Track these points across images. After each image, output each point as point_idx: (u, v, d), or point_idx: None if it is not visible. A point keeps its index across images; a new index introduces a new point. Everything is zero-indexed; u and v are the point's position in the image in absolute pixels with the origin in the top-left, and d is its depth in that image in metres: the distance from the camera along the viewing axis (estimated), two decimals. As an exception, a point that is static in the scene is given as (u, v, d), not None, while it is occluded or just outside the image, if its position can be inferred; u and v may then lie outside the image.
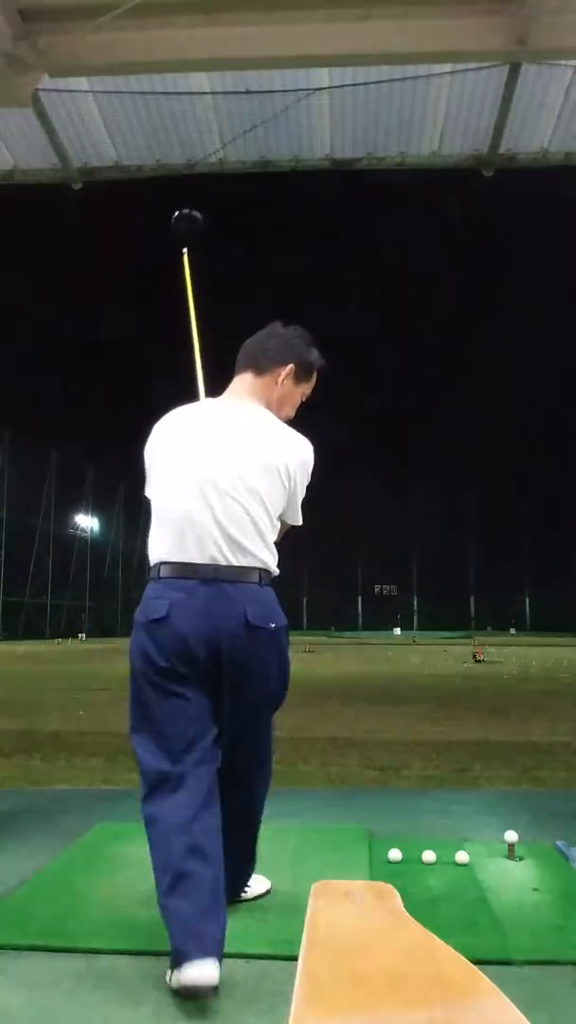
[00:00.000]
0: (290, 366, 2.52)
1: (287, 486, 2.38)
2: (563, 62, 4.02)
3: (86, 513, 56.70)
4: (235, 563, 2.27)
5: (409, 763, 5.56)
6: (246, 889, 2.67)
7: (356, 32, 3.37)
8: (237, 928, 2.46)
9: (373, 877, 2.84)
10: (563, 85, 4.21)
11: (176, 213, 3.18)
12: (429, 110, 4.37)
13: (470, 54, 3.66)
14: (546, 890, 2.82)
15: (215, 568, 2.26)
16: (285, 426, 2.47)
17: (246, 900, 2.66)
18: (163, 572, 2.30)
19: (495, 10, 3.35)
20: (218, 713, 2.30)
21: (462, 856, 3.05)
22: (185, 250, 3.18)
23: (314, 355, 2.60)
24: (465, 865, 3.02)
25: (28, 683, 13.64)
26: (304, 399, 2.66)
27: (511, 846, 3.14)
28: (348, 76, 4.19)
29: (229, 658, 2.25)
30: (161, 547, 2.33)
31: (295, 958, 1.51)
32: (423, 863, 3.01)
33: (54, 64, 3.54)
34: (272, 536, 2.36)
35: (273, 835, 3.46)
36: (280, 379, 2.52)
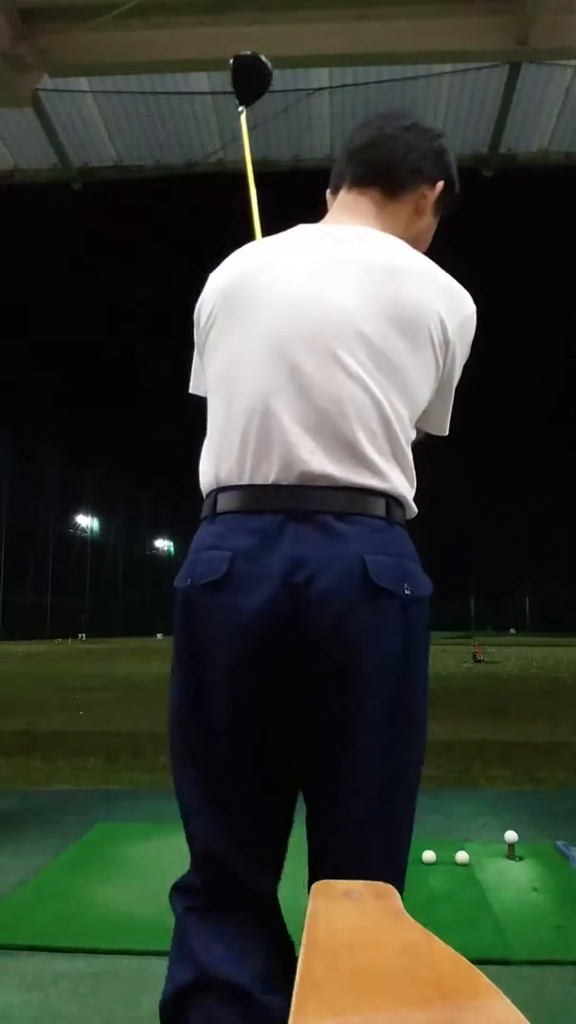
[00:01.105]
0: (440, 184, 1.48)
1: (440, 361, 1.33)
2: (563, 62, 4.03)
3: (86, 513, 56.70)
4: (346, 481, 1.23)
5: (409, 763, 5.56)
6: None
7: (356, 32, 3.37)
8: (237, 928, 2.47)
9: (373, 877, 2.84)
10: (563, 85, 4.22)
11: (235, 61, 2.19)
12: (429, 110, 4.37)
13: (470, 54, 3.67)
14: (546, 890, 2.82)
15: (310, 493, 1.23)
16: (440, 271, 1.37)
17: None
18: (221, 505, 1.30)
19: (495, 10, 3.36)
20: (303, 763, 1.25)
21: (462, 856, 3.05)
22: (242, 110, 2.18)
23: (456, 171, 1.56)
24: (465, 865, 3.02)
25: (28, 683, 13.64)
26: None
27: (511, 846, 3.15)
28: (348, 76, 4.19)
29: (330, 647, 1.19)
30: (217, 464, 1.31)
31: (295, 958, 1.51)
32: (423, 863, 3.01)
33: (54, 64, 3.54)
34: (409, 442, 1.32)
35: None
36: (428, 204, 1.48)
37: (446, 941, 0.52)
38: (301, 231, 1.41)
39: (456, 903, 2.68)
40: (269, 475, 1.24)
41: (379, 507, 1.25)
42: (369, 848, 1.22)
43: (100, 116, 4.50)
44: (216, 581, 1.23)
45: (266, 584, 1.19)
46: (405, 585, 1.22)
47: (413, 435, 1.33)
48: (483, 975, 0.43)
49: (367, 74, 4.16)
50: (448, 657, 23.27)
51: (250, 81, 2.20)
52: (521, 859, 3.12)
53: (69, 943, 2.38)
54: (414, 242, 1.46)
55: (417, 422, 1.35)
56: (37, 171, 4.82)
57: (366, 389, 1.26)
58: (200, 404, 1.45)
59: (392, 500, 1.27)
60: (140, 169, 4.79)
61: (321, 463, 1.24)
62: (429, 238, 1.54)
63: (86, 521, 57.36)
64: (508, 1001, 0.40)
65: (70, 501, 53.24)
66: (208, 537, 1.29)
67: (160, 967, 2.24)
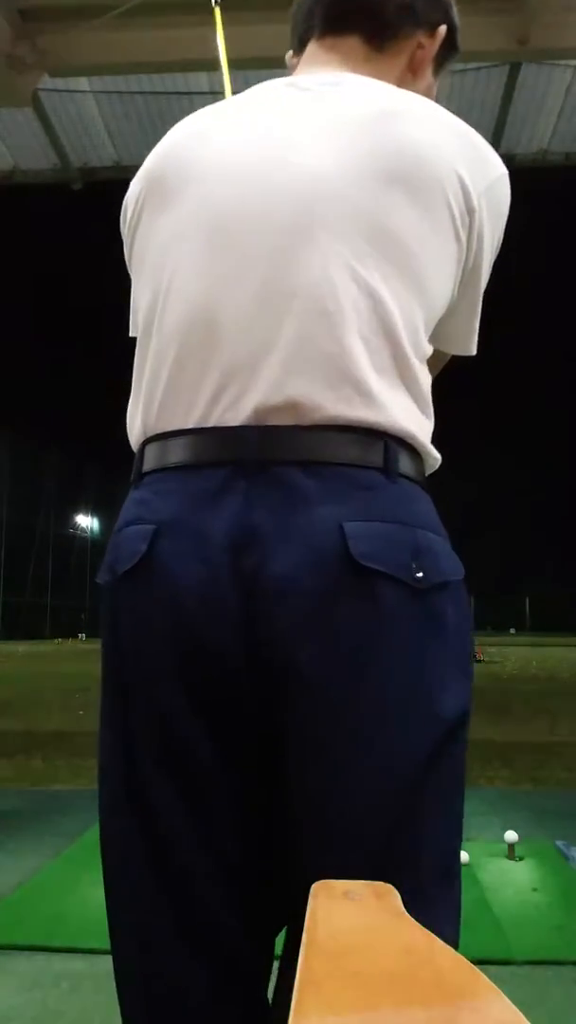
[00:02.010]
0: (442, 30, 1.07)
1: (464, 239, 0.90)
2: (563, 62, 4.03)
3: (86, 513, 56.72)
4: (323, 415, 0.82)
5: (409, 763, 5.56)
6: None
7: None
8: (237, 928, 2.47)
9: (373, 877, 2.84)
10: (563, 85, 4.22)
11: None
12: (429, 110, 4.38)
13: (470, 54, 3.66)
14: (546, 890, 2.82)
15: (267, 435, 0.82)
16: (443, 111, 0.95)
17: None
18: (148, 460, 0.91)
19: (495, 10, 3.36)
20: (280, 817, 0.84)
21: (462, 856, 3.05)
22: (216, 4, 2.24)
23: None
24: (465, 865, 3.01)
25: (28, 683, 13.64)
26: None
27: (511, 846, 3.14)
28: (348, 76, 4.19)
29: (293, 662, 0.79)
30: (146, 405, 0.92)
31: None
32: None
33: (54, 64, 3.54)
34: (423, 358, 0.89)
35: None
36: (427, 57, 1.07)
37: (446, 941, 0.52)
38: (252, 90, 1.02)
39: (456, 903, 2.68)
40: (209, 414, 0.84)
41: (373, 452, 0.82)
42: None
43: (100, 116, 4.50)
44: (135, 567, 0.83)
45: (200, 568, 0.80)
46: (413, 565, 0.79)
47: (429, 350, 0.90)
48: (483, 975, 0.43)
49: (367, 74, 4.17)
50: (448, 657, 23.29)
51: None
52: (521, 859, 3.12)
53: (69, 943, 2.38)
54: (428, 94, 1.07)
55: (431, 338, 0.91)
56: (37, 171, 4.83)
57: (357, 278, 0.83)
58: None
59: (394, 442, 0.84)
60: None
61: (286, 389, 0.81)
62: (432, 90, 1.13)
63: (86, 521, 57.38)
64: (508, 1001, 0.40)
65: (70, 501, 53.26)
66: (130, 508, 0.89)
67: (160, 967, 2.25)
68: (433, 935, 0.50)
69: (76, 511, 55.58)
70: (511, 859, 3.11)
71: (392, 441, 0.84)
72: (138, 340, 0.95)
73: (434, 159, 0.86)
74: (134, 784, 0.83)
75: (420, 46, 1.05)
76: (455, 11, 1.09)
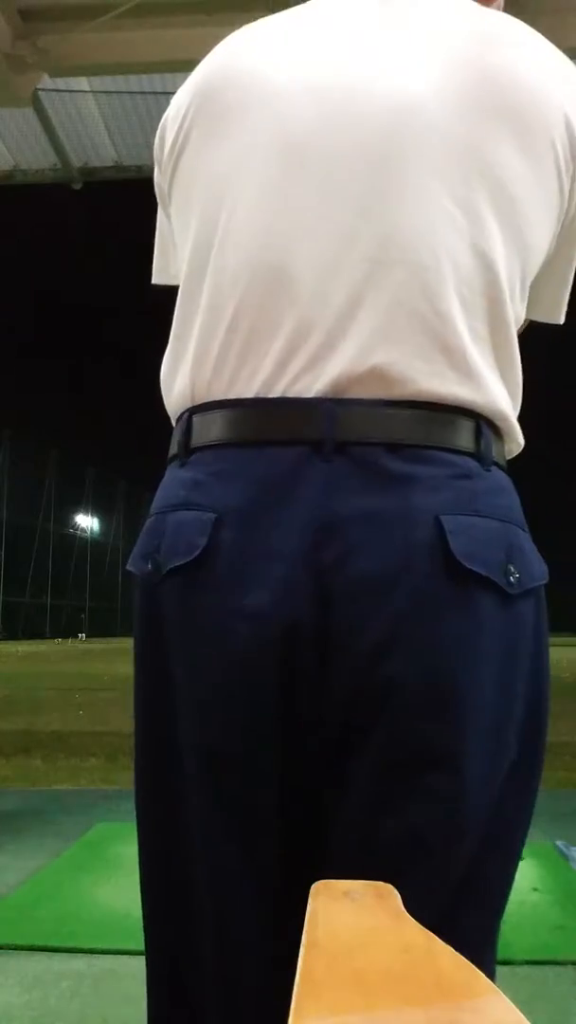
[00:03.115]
0: None
1: (567, 187, 0.77)
2: (563, 62, 4.03)
3: (86, 513, 56.71)
4: (416, 389, 0.70)
5: (409, 763, 5.56)
6: None
7: (356, 32, 3.37)
8: (237, 928, 2.47)
9: (373, 877, 2.84)
10: (563, 85, 4.22)
11: None
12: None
13: (470, 54, 3.67)
14: (546, 890, 2.82)
15: (350, 410, 0.70)
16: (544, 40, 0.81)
17: None
18: (198, 434, 0.76)
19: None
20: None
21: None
22: None
23: None
24: (465, 865, 3.02)
25: (28, 683, 13.64)
26: None
27: (511, 846, 3.15)
28: (348, 76, 4.19)
29: (381, 668, 0.68)
30: (195, 368, 0.77)
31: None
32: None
33: (54, 64, 3.54)
34: (519, 325, 0.78)
35: (273, 835, 3.47)
36: None
37: (446, 941, 0.52)
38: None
39: (456, 903, 2.68)
40: (277, 381, 0.71)
41: (468, 435, 0.72)
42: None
43: (100, 116, 4.50)
44: (191, 563, 0.71)
45: (276, 566, 0.68)
46: (511, 568, 0.71)
47: (524, 315, 0.80)
48: (483, 975, 0.43)
49: (367, 74, 4.16)
50: (448, 657, 23.28)
51: None
52: (521, 859, 3.11)
53: (69, 943, 2.38)
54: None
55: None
56: (37, 171, 4.82)
57: (459, 227, 0.71)
58: None
59: (487, 425, 0.74)
60: (140, 169, 4.79)
61: (373, 357, 0.69)
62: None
63: (86, 521, 57.37)
64: (508, 1001, 0.40)
65: (70, 501, 53.26)
66: (176, 488, 0.76)
67: (160, 967, 2.24)
68: (433, 935, 0.50)
69: (76, 511, 55.57)
70: (511, 859, 3.12)
71: (486, 424, 0.73)
72: (183, 286, 0.80)
73: (542, 96, 0.75)
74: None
75: None
76: None
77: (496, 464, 0.74)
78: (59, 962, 2.28)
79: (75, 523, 56.20)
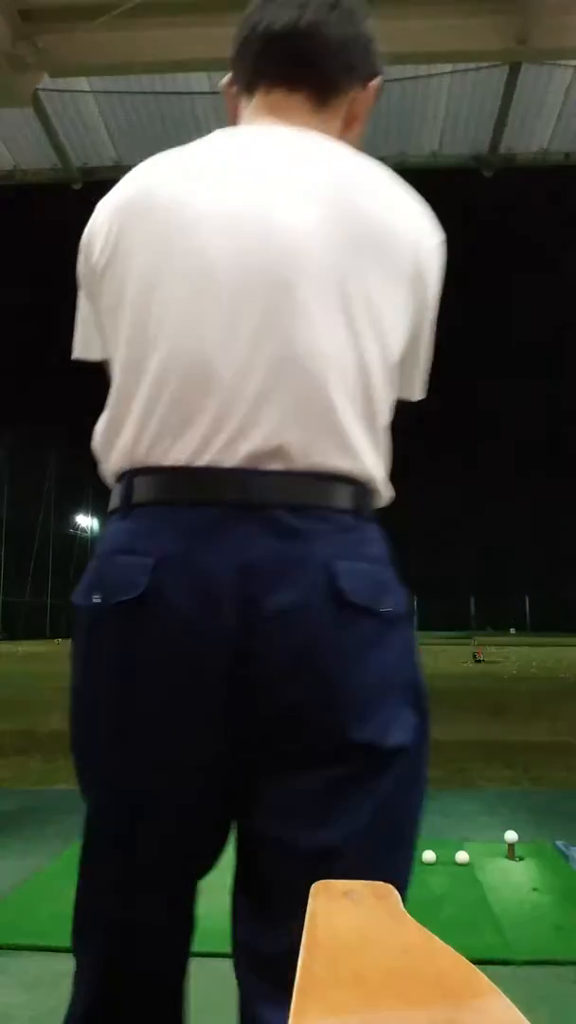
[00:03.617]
0: (375, 83, 1.14)
1: (417, 301, 1.01)
2: (563, 62, 4.02)
3: (86, 513, 56.73)
4: (309, 463, 0.92)
5: (409, 763, 5.56)
6: None
7: (356, 32, 3.37)
8: (237, 928, 2.47)
9: (373, 877, 2.84)
10: (563, 85, 4.22)
11: None
12: (429, 110, 4.37)
13: (470, 54, 3.67)
14: (546, 890, 2.82)
15: (262, 479, 0.91)
16: (406, 193, 1.05)
17: None
18: (139, 491, 0.96)
19: (495, 10, 3.36)
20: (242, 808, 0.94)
21: (462, 856, 3.05)
22: None
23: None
24: (465, 865, 3.02)
25: (28, 683, 13.65)
26: None
27: (511, 846, 3.15)
28: (348, 76, 4.19)
29: (296, 683, 0.88)
30: (134, 436, 0.96)
31: (295, 958, 1.51)
32: (423, 863, 3.01)
33: (54, 64, 3.54)
34: (390, 409, 1.02)
35: (273, 835, 3.47)
36: (362, 110, 1.14)
37: (446, 941, 0.52)
38: (222, 135, 1.06)
39: (456, 903, 2.68)
40: (204, 453, 0.90)
41: (350, 497, 0.93)
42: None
43: (100, 116, 4.50)
44: (134, 599, 0.88)
45: (206, 602, 0.86)
46: (384, 600, 0.91)
47: (393, 398, 1.01)
48: (483, 975, 0.43)
49: (367, 74, 4.16)
50: (448, 657, 23.28)
51: None
52: (521, 859, 3.12)
53: (69, 943, 2.38)
54: (356, 143, 1.14)
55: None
56: (37, 171, 4.82)
57: (339, 337, 0.92)
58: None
59: (363, 487, 0.95)
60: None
61: (279, 437, 0.89)
62: (361, 133, 1.17)
63: (86, 521, 57.38)
64: (508, 1001, 0.40)
65: (70, 501, 53.26)
66: (121, 536, 0.94)
67: (160, 967, 2.24)
68: (433, 935, 0.50)
69: (76, 511, 55.59)
70: (511, 859, 3.12)
71: (362, 487, 0.95)
72: (119, 375, 0.98)
73: (397, 232, 0.97)
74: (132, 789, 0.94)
75: (355, 100, 1.12)
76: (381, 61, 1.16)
77: (370, 517, 0.96)
78: (59, 962, 2.27)
79: (75, 523, 56.22)
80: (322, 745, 0.87)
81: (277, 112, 1.08)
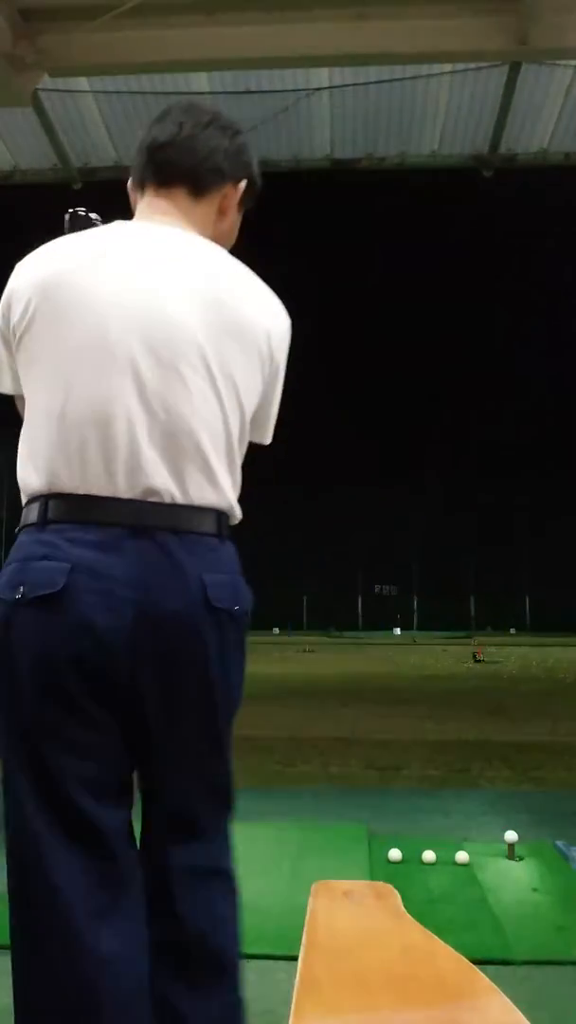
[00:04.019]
0: (243, 183, 1.46)
1: (266, 374, 1.38)
2: (563, 62, 4.02)
3: (86, 513, 56.69)
4: (187, 498, 1.25)
5: (409, 763, 5.57)
6: None
7: (356, 32, 3.37)
8: (237, 928, 2.47)
9: (373, 877, 2.84)
10: (563, 85, 4.21)
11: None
12: (429, 110, 4.37)
13: (470, 54, 3.67)
14: (546, 890, 2.82)
15: (152, 508, 1.23)
16: (261, 283, 1.42)
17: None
18: (53, 512, 1.24)
19: (495, 10, 3.36)
20: (142, 755, 1.28)
21: (462, 856, 3.05)
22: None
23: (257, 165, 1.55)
24: (465, 865, 3.02)
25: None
26: None
27: (511, 846, 3.15)
28: (348, 76, 4.19)
29: (175, 669, 1.23)
30: (50, 469, 1.25)
31: (295, 958, 1.50)
32: (423, 863, 3.01)
33: (54, 64, 3.54)
34: (243, 455, 1.37)
35: (273, 835, 3.47)
36: (231, 204, 1.46)
37: (446, 941, 0.52)
38: (120, 230, 1.38)
39: (456, 903, 2.68)
40: (109, 486, 1.23)
41: (212, 523, 1.29)
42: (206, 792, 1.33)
43: (100, 116, 4.50)
44: (54, 593, 1.17)
45: (111, 600, 1.18)
46: (238, 603, 1.30)
47: (245, 448, 1.38)
48: (483, 975, 0.43)
49: (367, 74, 4.16)
50: (448, 657, 23.29)
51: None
52: (521, 859, 3.12)
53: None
54: (220, 241, 1.45)
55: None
56: (37, 171, 4.82)
57: (210, 403, 1.28)
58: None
59: (224, 515, 1.32)
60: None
61: (165, 478, 1.24)
62: (234, 236, 1.53)
63: (86, 521, 57.33)
64: (508, 1001, 0.40)
65: (70, 501, 53.24)
66: (36, 546, 1.23)
67: (160, 967, 2.24)
68: (433, 935, 0.51)
69: (76, 511, 55.53)
70: (511, 859, 3.11)
71: (223, 515, 1.31)
72: (36, 419, 1.28)
73: (255, 323, 1.34)
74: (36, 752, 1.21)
75: (226, 196, 1.45)
76: (256, 165, 1.51)
77: (227, 537, 1.31)
78: (59, 962, 2.28)
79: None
80: (191, 712, 1.26)
81: (161, 208, 1.41)
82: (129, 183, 1.49)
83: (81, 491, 1.22)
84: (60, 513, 1.23)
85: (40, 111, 4.34)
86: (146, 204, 1.43)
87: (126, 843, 1.24)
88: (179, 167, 1.41)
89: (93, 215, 1.61)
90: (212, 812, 1.32)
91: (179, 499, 1.24)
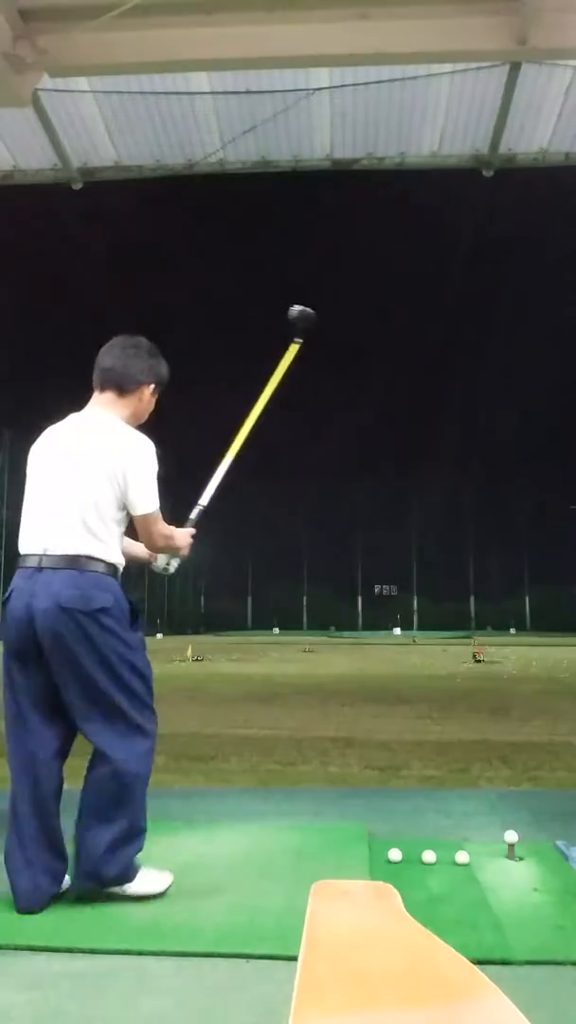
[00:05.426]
0: (152, 385, 2.96)
1: (122, 486, 2.77)
2: (563, 62, 4.03)
3: (86, 513, 56.63)
4: (66, 550, 2.71)
5: (409, 763, 5.56)
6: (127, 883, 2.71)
7: (356, 32, 3.37)
8: (237, 928, 2.46)
9: (373, 877, 2.84)
10: (563, 85, 4.22)
11: (298, 309, 3.36)
12: (429, 110, 4.37)
13: (470, 54, 3.66)
14: (546, 890, 2.82)
15: (47, 556, 2.72)
16: (124, 431, 2.85)
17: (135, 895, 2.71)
18: (20, 561, 2.81)
19: (495, 10, 3.35)
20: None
21: (462, 856, 3.05)
22: (297, 343, 3.36)
23: (166, 369, 3.00)
24: (465, 865, 3.02)
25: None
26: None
27: (511, 846, 3.14)
28: (348, 76, 4.19)
29: (46, 641, 2.66)
30: (23, 535, 2.82)
31: (295, 958, 1.51)
32: (423, 863, 3.01)
33: (54, 64, 3.54)
34: (108, 523, 2.77)
35: (273, 835, 3.47)
36: (144, 397, 2.95)
37: (446, 941, 0.52)
38: (74, 416, 2.96)
39: (456, 903, 2.67)
40: (33, 546, 2.77)
41: (80, 562, 2.71)
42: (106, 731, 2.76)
43: (100, 116, 4.49)
44: (5, 600, 2.81)
45: (22, 605, 2.70)
46: (90, 604, 2.66)
47: (120, 517, 2.82)
48: (483, 975, 0.43)
49: (367, 74, 4.16)
50: (448, 657, 23.26)
51: (308, 325, 3.33)
52: (521, 859, 3.12)
53: (69, 943, 2.38)
54: (141, 413, 2.98)
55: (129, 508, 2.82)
56: (37, 171, 4.82)
57: (88, 505, 2.75)
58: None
59: (91, 558, 2.73)
60: (140, 169, 4.79)
61: (64, 539, 2.73)
62: (150, 408, 3.02)
63: (86, 521, 57.25)
64: (508, 1001, 0.40)
65: (70, 501, 53.16)
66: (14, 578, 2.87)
67: (160, 967, 2.24)
68: (433, 935, 0.50)
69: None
70: (511, 859, 3.11)
71: (91, 558, 2.74)
72: (24, 509, 2.86)
73: (115, 465, 2.78)
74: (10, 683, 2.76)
75: (142, 391, 2.98)
76: (164, 369, 3.01)
77: (93, 570, 2.74)
78: (59, 962, 2.28)
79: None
80: (64, 667, 2.67)
81: (100, 401, 2.94)
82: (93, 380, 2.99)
83: (24, 550, 2.86)
84: (20, 561, 2.91)
85: (40, 111, 4.34)
86: (92, 399, 2.97)
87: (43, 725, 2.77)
88: (110, 379, 2.95)
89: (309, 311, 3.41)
90: (92, 717, 2.73)
91: (71, 550, 2.75)
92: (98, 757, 2.73)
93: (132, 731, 2.72)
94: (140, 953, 2.32)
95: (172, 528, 2.93)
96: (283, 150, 4.64)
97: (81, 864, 2.67)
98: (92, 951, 2.33)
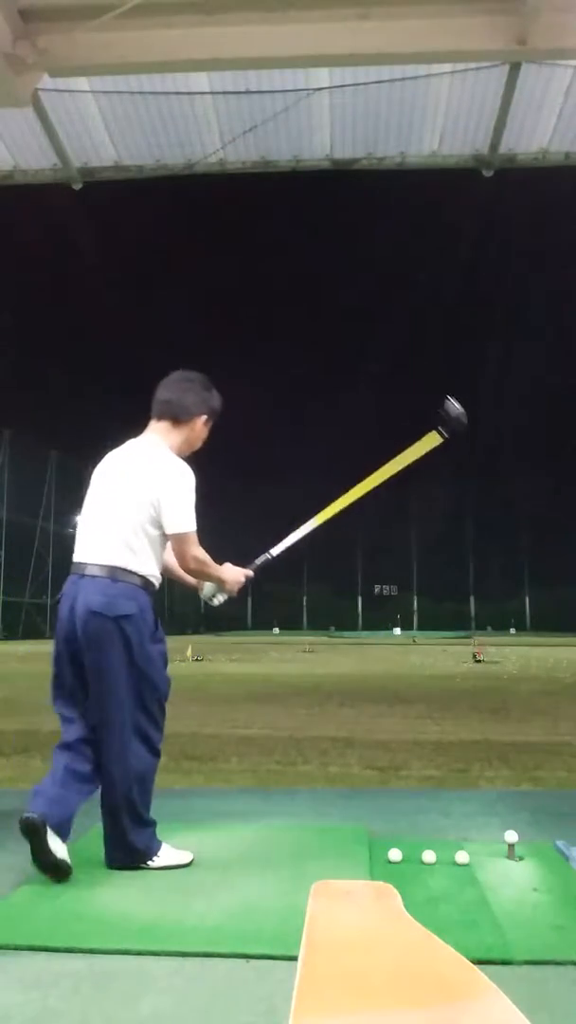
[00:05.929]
0: (204, 416, 3.29)
1: (157, 505, 3.08)
2: (563, 62, 4.02)
3: (86, 513, 56.63)
4: (106, 561, 3.06)
5: (409, 763, 5.56)
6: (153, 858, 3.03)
7: (356, 32, 3.37)
8: (237, 928, 2.46)
9: (373, 877, 2.84)
10: (563, 85, 4.22)
11: (459, 411, 3.27)
12: (429, 110, 4.37)
13: (470, 54, 3.66)
14: (546, 890, 2.82)
15: (90, 566, 3.09)
16: (165, 458, 3.16)
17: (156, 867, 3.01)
18: (72, 567, 3.24)
19: (495, 10, 3.35)
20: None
21: (462, 856, 3.05)
22: (441, 437, 3.29)
23: (218, 402, 3.33)
24: (465, 865, 3.02)
25: (28, 683, 13.63)
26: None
27: (511, 846, 3.14)
28: (348, 76, 4.19)
29: (83, 640, 3.02)
30: (76, 544, 3.24)
31: (295, 958, 1.51)
32: (423, 863, 3.01)
33: (54, 64, 3.54)
34: (142, 538, 3.09)
35: (273, 835, 3.47)
36: (197, 427, 3.29)
37: (446, 941, 0.51)
38: (130, 440, 3.30)
39: (456, 903, 2.67)
40: (82, 554, 3.15)
41: (115, 573, 3.05)
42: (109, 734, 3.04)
43: (100, 116, 4.49)
44: (57, 602, 3.18)
45: (68, 607, 3.08)
46: (115, 610, 2.99)
47: (155, 534, 3.12)
48: (483, 975, 0.43)
49: (367, 74, 4.16)
50: (448, 657, 23.25)
51: (457, 427, 3.28)
52: (521, 859, 3.12)
53: (69, 943, 2.38)
54: (193, 443, 3.32)
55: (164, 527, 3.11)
56: (37, 171, 4.82)
57: (134, 515, 3.08)
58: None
59: (121, 570, 3.05)
60: (140, 169, 4.79)
61: (102, 551, 3.08)
62: (203, 437, 3.36)
63: (86, 521, 57.21)
64: (508, 1001, 0.40)
65: (70, 501, 53.22)
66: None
67: (160, 967, 2.24)
68: (433, 935, 0.50)
69: (76, 511, 55.53)
70: (511, 859, 3.11)
71: (119, 570, 3.08)
72: (81, 519, 3.27)
73: (153, 491, 3.12)
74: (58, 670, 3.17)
75: (195, 421, 3.32)
76: (216, 402, 3.36)
77: (124, 580, 3.08)
78: (59, 962, 2.28)
79: (75, 523, 56.18)
80: (92, 666, 3.05)
81: (155, 429, 3.29)
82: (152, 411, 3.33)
83: (77, 557, 3.27)
84: (71, 568, 3.33)
85: (40, 111, 4.34)
86: (149, 426, 3.31)
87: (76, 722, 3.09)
88: (166, 410, 3.28)
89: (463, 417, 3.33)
90: (102, 721, 3.03)
91: (108, 561, 3.10)
92: (101, 766, 3.07)
93: (137, 742, 3.05)
94: (140, 953, 2.32)
95: (206, 555, 3.17)
96: (283, 150, 4.64)
97: (109, 845, 3.07)
98: (92, 951, 2.33)
